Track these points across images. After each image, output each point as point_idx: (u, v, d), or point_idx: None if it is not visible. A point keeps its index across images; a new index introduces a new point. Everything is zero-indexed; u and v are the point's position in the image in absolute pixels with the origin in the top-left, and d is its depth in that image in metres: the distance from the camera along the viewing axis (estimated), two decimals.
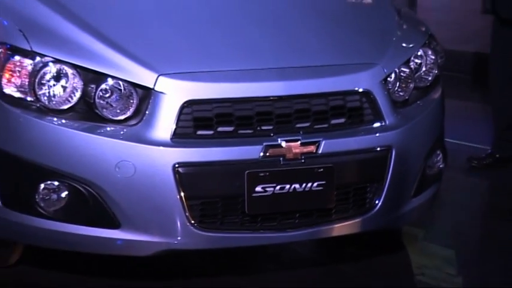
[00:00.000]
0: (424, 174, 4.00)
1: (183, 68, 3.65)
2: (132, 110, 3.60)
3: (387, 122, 3.81)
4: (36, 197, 3.60)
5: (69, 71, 3.60)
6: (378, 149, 3.78)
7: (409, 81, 3.97)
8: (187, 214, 3.57)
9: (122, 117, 3.61)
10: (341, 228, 3.78)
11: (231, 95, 3.63)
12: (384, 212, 3.82)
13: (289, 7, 4.13)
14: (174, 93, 3.58)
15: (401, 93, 3.94)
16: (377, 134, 3.78)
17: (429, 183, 4.07)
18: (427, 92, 4.08)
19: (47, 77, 3.60)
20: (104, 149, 3.55)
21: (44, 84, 3.60)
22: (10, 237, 3.76)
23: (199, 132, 3.60)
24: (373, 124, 3.80)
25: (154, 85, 3.58)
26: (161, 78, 3.59)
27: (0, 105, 3.62)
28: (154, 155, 3.54)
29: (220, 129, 3.61)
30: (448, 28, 7.29)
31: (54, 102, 3.60)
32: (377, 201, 3.80)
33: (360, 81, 3.79)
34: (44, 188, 3.60)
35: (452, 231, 4.61)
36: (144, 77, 3.59)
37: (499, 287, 3.98)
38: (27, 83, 3.60)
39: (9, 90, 3.62)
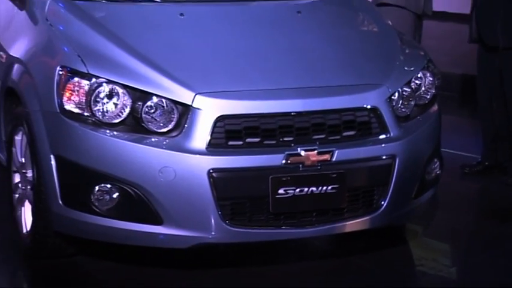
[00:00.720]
0: (423, 179, 4.01)
1: (216, 87, 3.69)
2: (173, 123, 3.64)
3: (392, 134, 3.83)
4: (92, 197, 3.64)
5: (120, 90, 3.65)
6: (384, 157, 3.80)
7: (411, 99, 3.99)
8: (220, 212, 3.60)
9: (164, 130, 3.64)
10: (352, 225, 3.80)
11: (258, 110, 3.66)
12: (389, 211, 3.84)
13: (307, 35, 4.15)
14: (209, 109, 3.61)
15: (403, 110, 3.96)
16: (383, 145, 3.80)
17: (428, 186, 4.08)
18: (426, 109, 4.08)
19: (101, 95, 3.65)
20: (149, 157, 3.59)
21: (98, 102, 3.65)
22: (70, 232, 3.79)
23: (230, 143, 3.63)
24: (379, 136, 3.82)
25: (192, 102, 3.62)
26: (198, 96, 3.63)
27: (61, 120, 3.68)
28: (192, 162, 3.58)
29: (248, 140, 3.65)
30: (440, 53, 7.31)
31: (107, 117, 3.65)
32: (383, 202, 3.82)
33: (368, 99, 3.82)
34: (98, 190, 3.64)
35: (448, 228, 4.60)
36: (184, 95, 3.63)
37: (487, 276, 3.99)
38: (84, 101, 3.65)
39: (69, 106, 3.67)
